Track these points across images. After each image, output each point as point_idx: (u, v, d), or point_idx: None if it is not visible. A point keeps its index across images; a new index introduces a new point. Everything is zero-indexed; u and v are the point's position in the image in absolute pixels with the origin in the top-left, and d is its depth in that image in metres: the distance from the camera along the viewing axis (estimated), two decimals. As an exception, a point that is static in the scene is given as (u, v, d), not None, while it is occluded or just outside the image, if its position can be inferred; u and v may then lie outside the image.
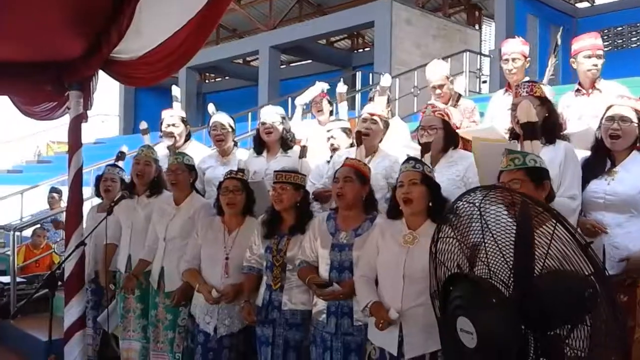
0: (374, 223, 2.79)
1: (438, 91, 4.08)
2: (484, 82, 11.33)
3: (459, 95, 4.08)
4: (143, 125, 4.48)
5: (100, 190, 4.27)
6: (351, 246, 2.76)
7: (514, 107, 2.82)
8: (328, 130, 3.80)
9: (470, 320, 1.75)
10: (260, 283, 3.11)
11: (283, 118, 3.92)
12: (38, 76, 3.85)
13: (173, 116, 4.24)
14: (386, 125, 3.53)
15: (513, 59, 3.75)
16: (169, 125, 4.20)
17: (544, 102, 2.84)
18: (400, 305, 2.43)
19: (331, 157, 3.78)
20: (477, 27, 15.42)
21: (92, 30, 3.37)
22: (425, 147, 3.18)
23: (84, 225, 3.90)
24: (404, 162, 2.62)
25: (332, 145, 3.74)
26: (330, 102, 4.67)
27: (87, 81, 3.82)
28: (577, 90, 3.50)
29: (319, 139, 3.96)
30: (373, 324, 2.54)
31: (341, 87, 4.38)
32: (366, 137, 3.44)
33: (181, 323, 3.48)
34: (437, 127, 3.09)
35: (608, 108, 2.77)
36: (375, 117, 3.46)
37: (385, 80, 3.90)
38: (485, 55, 11.87)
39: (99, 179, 4.33)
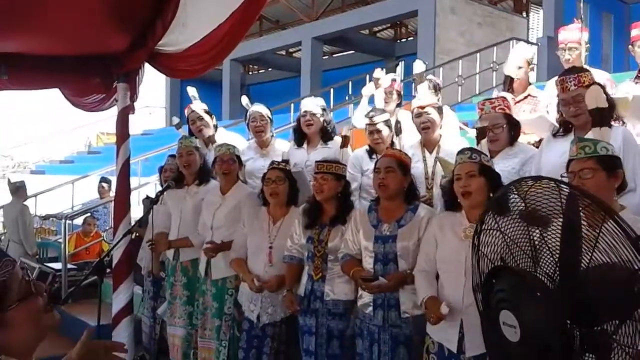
0: (417, 213, 2.75)
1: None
2: (531, 70, 11.01)
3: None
4: (175, 120, 4.54)
5: (162, 181, 4.35)
6: (395, 237, 2.72)
7: (565, 103, 2.72)
8: (372, 124, 3.71)
9: (513, 313, 1.72)
10: (301, 272, 3.12)
11: (323, 109, 3.91)
12: (87, 69, 3.97)
13: (195, 111, 4.29)
14: (439, 110, 3.45)
15: (569, 48, 3.61)
16: (195, 121, 4.27)
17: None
18: (462, 300, 2.36)
19: (369, 146, 3.70)
20: (524, 14, 15.02)
21: (137, 24, 3.46)
22: (480, 134, 3.03)
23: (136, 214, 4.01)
24: (459, 153, 2.51)
25: (375, 140, 3.67)
26: (399, 94, 4.60)
27: (133, 74, 3.92)
28: (637, 77, 3.38)
29: None
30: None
31: (378, 73, 4.30)
32: (427, 130, 3.38)
33: (227, 311, 3.53)
34: (501, 125, 3.00)
35: None
36: (427, 109, 3.37)
37: (417, 66, 3.83)
38: (533, 44, 11.55)
39: (161, 169, 4.42)
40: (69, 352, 1.40)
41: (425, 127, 3.36)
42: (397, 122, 3.53)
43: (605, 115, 2.32)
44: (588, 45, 3.70)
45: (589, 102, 2.36)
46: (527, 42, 11.50)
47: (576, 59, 3.62)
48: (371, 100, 4.94)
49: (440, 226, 2.56)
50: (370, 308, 2.73)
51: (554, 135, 2.84)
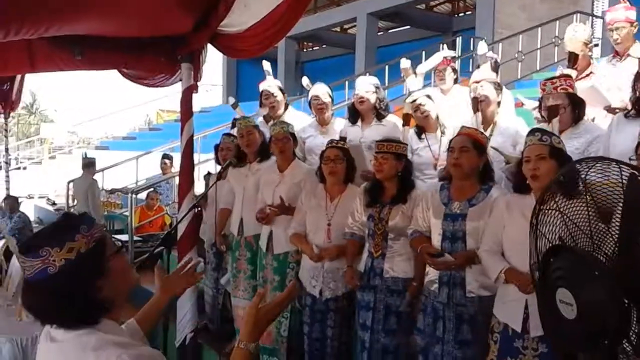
0: (489, 194, 2.72)
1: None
2: (596, 45, 10.58)
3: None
4: (231, 100, 4.67)
5: (219, 159, 4.48)
6: (465, 216, 2.71)
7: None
8: (413, 101, 3.70)
9: (570, 291, 1.74)
10: (362, 249, 3.18)
11: (377, 88, 3.95)
12: (154, 50, 4.12)
13: (271, 86, 4.39)
14: (497, 86, 3.47)
15: (617, 28, 3.58)
16: (268, 96, 4.36)
17: None
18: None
19: (417, 126, 3.75)
20: (589, -15, 14.34)
21: (201, 6, 3.56)
22: (551, 113, 2.92)
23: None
24: (529, 134, 2.48)
25: (423, 112, 3.67)
26: (454, 70, 4.56)
27: (197, 54, 4.05)
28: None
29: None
30: (500, 297, 2.50)
31: (405, 63, 4.27)
32: (482, 103, 3.38)
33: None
34: (564, 106, 2.94)
35: None
36: (482, 83, 3.42)
37: (481, 47, 3.86)
38: (597, 17, 11.08)
39: (217, 148, 4.55)
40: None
41: (480, 101, 3.36)
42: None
43: None
44: (637, 23, 3.65)
45: None
46: (592, 15, 11.06)
47: (624, 38, 3.60)
48: (428, 77, 4.94)
49: (508, 207, 2.54)
50: (436, 285, 2.76)
51: (626, 115, 2.78)
